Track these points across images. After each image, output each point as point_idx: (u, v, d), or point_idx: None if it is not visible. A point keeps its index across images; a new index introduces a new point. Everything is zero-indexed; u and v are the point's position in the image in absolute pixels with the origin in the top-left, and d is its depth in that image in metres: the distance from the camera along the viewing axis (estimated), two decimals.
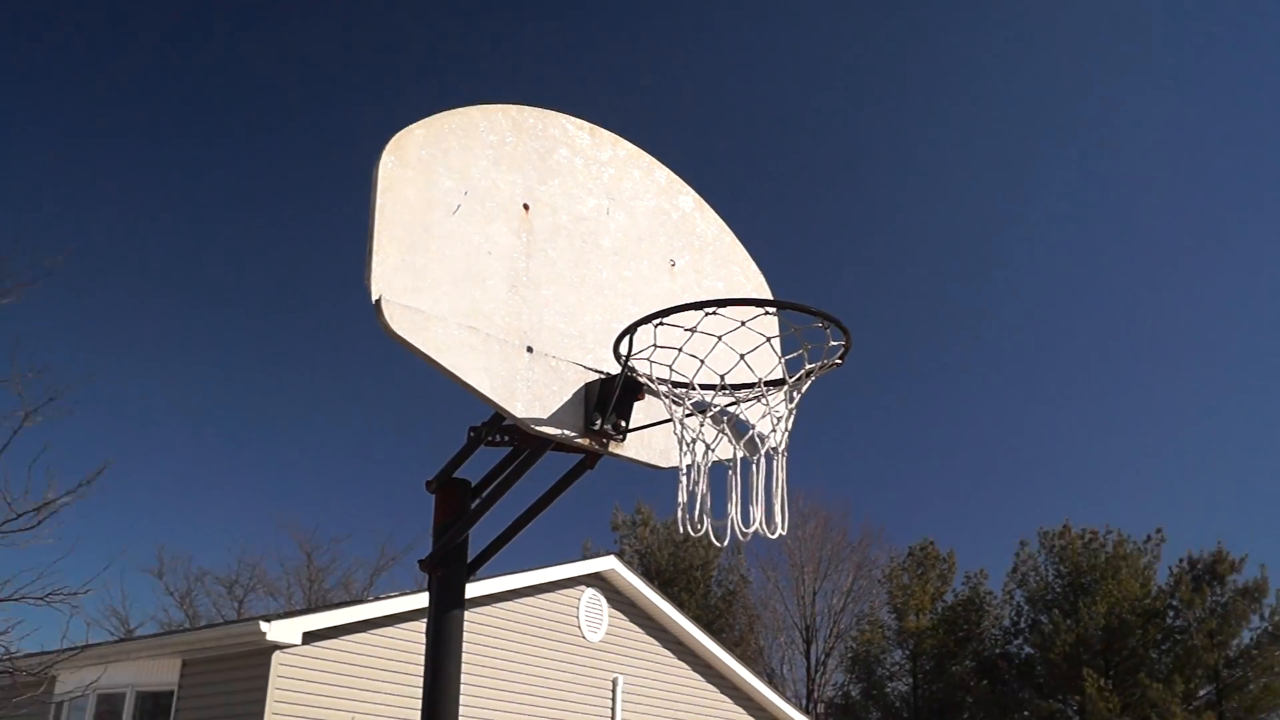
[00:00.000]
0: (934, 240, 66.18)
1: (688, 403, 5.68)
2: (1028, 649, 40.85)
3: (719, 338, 5.50)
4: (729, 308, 5.45)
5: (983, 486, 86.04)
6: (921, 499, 78.98)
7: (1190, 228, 61.86)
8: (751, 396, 5.71)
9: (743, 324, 5.45)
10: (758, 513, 5.53)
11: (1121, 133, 59.29)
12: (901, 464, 79.43)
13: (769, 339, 5.65)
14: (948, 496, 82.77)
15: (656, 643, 19.95)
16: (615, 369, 5.74)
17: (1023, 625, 41.71)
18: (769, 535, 5.51)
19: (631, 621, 19.58)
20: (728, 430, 5.92)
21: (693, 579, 43.59)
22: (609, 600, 19.17)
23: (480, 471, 6.33)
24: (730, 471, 5.60)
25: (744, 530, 5.51)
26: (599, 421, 5.78)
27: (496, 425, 6.03)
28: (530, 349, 5.67)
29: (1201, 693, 37.37)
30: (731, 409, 5.80)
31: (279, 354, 65.80)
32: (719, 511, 5.54)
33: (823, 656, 43.85)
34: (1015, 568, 41.84)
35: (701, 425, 5.74)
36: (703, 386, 5.61)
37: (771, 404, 5.68)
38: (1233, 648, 37.58)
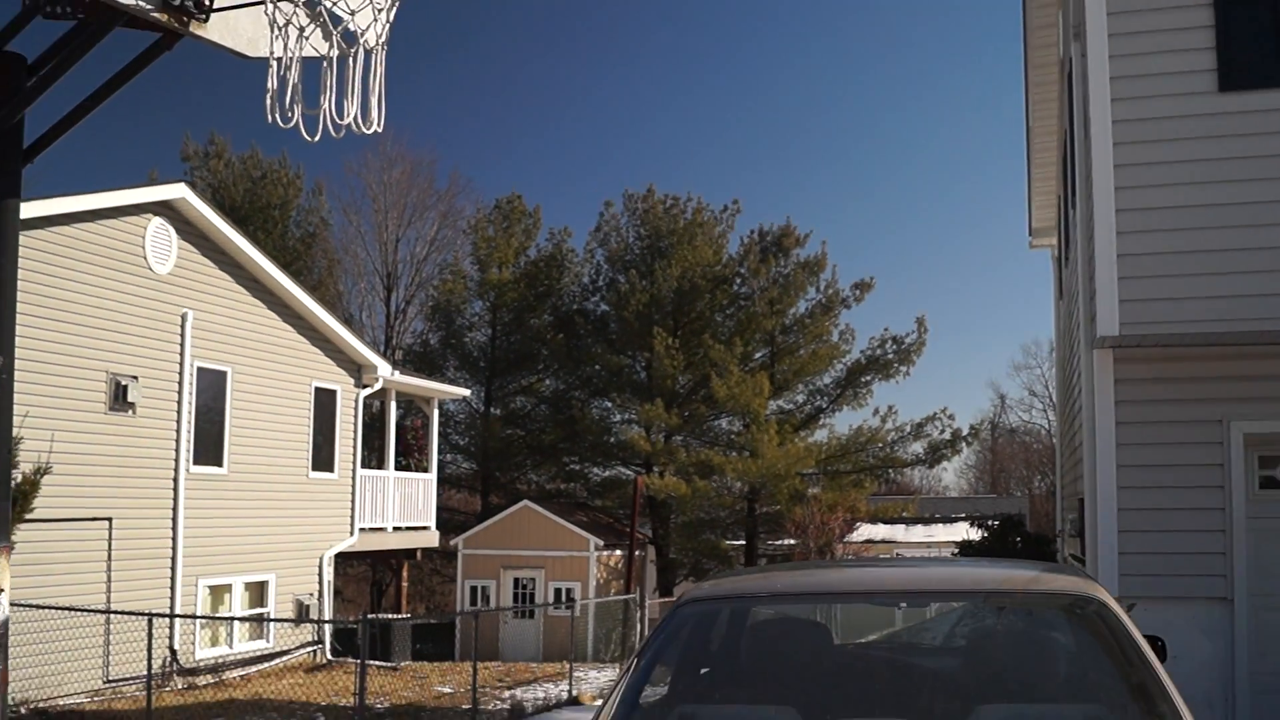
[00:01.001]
0: None
1: None
2: (604, 306, 42.27)
3: None
4: None
5: (572, 146, 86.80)
6: (510, 153, 78.68)
7: None
8: None
9: None
10: (352, 108, 5.38)
11: None
12: (492, 116, 78.26)
13: None
14: (537, 153, 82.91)
15: (230, 279, 19.23)
16: None
17: (601, 283, 42.99)
18: (364, 131, 5.40)
19: (204, 255, 18.70)
20: (325, 16, 5.54)
21: (270, 218, 41.46)
22: (178, 231, 18.13)
23: (39, 48, 5.64)
24: (325, 65, 5.37)
25: (338, 123, 5.32)
26: None
27: None
28: None
29: (758, 355, 40.34)
30: None
31: None
32: (311, 102, 5.30)
33: (403, 304, 43.74)
34: (599, 227, 42.64)
35: (295, 9, 5.35)
36: None
37: None
38: (789, 316, 40.45)
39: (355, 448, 22.25)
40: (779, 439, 36.89)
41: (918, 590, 4.92)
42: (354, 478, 22.15)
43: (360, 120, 5.38)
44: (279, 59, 5.26)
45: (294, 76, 5.27)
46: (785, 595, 4.86)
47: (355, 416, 22.32)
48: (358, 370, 22.42)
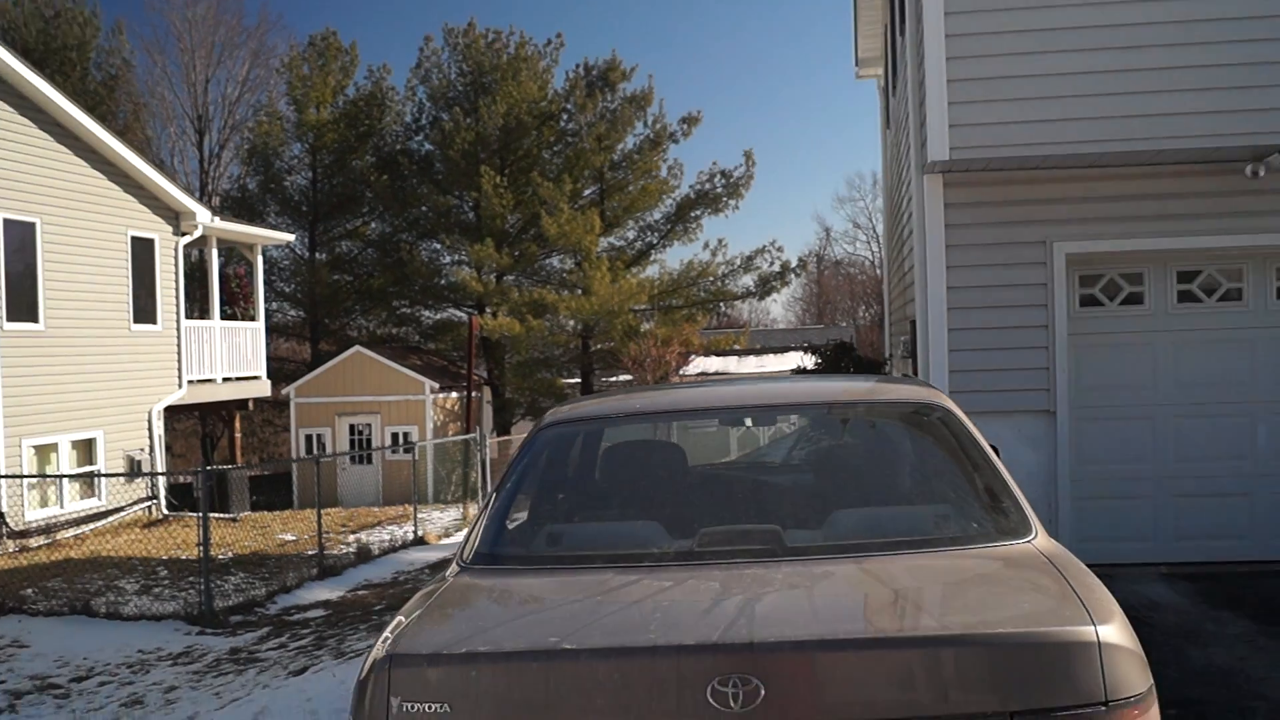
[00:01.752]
0: None
1: None
2: (428, 145, 41.25)
3: None
4: None
5: None
6: None
7: None
8: None
9: None
10: None
11: None
12: None
13: None
14: None
15: (32, 124, 18.31)
16: None
17: (424, 122, 41.88)
18: None
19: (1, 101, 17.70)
20: None
21: (67, 60, 38.93)
22: None
23: None
24: None
25: None
26: None
27: None
28: None
29: (587, 192, 40.02)
30: None
31: None
32: None
33: (217, 148, 42.04)
34: (419, 64, 41.32)
35: None
36: None
37: None
38: (617, 152, 40.11)
39: (178, 298, 21.52)
40: (611, 276, 36.98)
41: (774, 404, 5.04)
42: (178, 329, 21.47)
43: None
44: None
45: None
46: (642, 414, 4.96)
47: (176, 266, 21.53)
48: (175, 218, 21.57)
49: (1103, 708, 2.84)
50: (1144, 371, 9.26)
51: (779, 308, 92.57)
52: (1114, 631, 2.93)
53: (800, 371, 14.81)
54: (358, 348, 33.63)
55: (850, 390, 5.19)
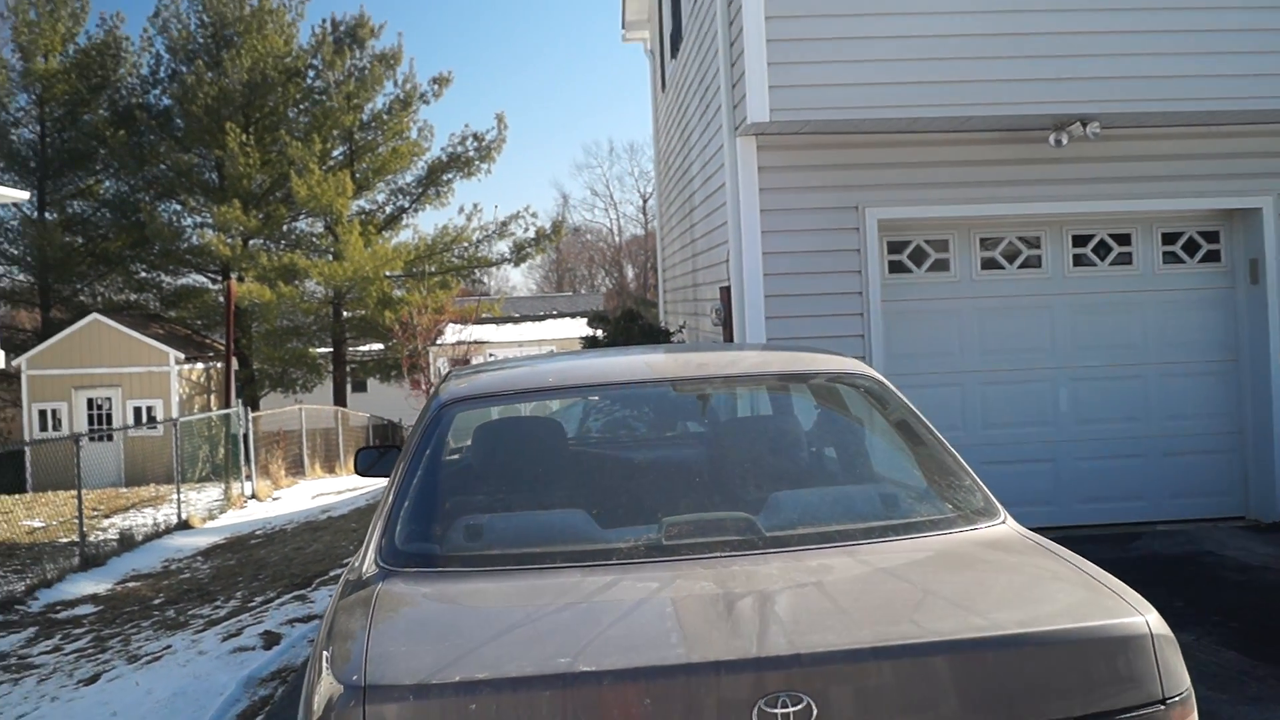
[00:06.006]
0: None
1: None
2: (167, 100, 38.97)
3: None
4: None
5: None
6: None
7: None
8: None
9: None
10: None
11: None
12: None
13: None
14: None
15: None
16: None
17: (163, 75, 39.53)
18: None
19: None
20: None
21: None
22: None
23: None
24: None
25: None
26: None
27: None
28: None
29: (336, 153, 38.68)
30: None
31: None
32: None
33: None
34: (157, 13, 38.85)
35: None
36: None
37: None
38: (367, 112, 38.96)
39: None
40: (364, 241, 35.96)
41: (695, 376, 4.70)
42: None
43: None
44: None
45: None
46: (556, 389, 4.58)
47: None
48: None
49: (1161, 706, 2.69)
50: (951, 338, 9.47)
51: (518, 275, 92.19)
52: (1159, 622, 2.79)
53: (592, 341, 14.65)
54: (95, 316, 31.59)
55: (779, 360, 4.93)
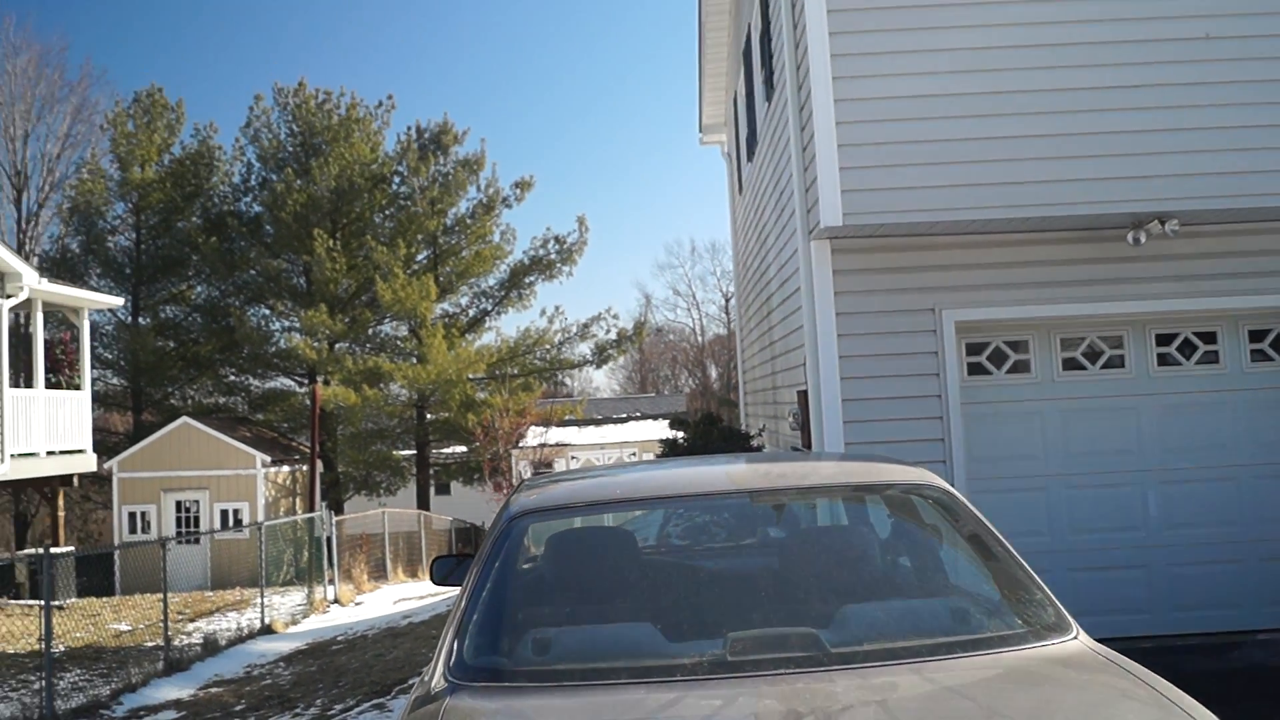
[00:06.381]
0: None
1: None
2: (258, 207, 40.14)
3: None
4: None
5: (217, 34, 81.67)
6: (148, 41, 73.24)
7: None
8: None
9: None
10: None
11: None
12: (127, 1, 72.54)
13: None
14: (178, 41, 77.59)
15: None
16: None
17: (254, 183, 40.81)
18: None
19: None
20: None
21: None
22: None
23: None
24: None
25: None
26: None
27: None
28: None
29: (420, 257, 39.44)
30: None
31: None
32: None
33: (35, 207, 40.05)
34: (249, 123, 40.28)
35: None
36: None
37: None
38: (450, 216, 39.71)
39: (0, 365, 20.17)
40: (447, 344, 36.38)
41: (768, 488, 4.68)
42: (0, 398, 20.13)
43: None
44: None
45: None
46: (624, 501, 4.53)
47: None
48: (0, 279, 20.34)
49: None
50: (1034, 441, 9.28)
51: (600, 376, 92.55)
52: None
53: (673, 444, 14.57)
54: (185, 419, 32.18)
55: (850, 471, 4.89)
